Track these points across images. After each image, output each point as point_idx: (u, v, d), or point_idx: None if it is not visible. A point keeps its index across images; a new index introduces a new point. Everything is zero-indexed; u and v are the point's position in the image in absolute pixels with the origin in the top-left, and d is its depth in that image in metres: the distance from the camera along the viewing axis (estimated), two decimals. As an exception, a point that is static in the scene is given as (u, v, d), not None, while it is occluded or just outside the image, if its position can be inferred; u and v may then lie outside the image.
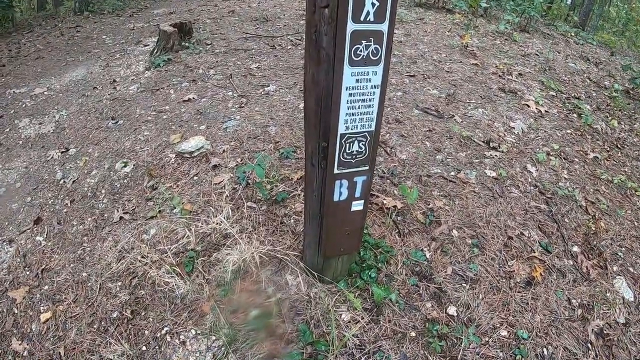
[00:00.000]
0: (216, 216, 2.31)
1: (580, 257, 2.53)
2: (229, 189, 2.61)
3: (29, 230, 2.81)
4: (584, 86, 4.97)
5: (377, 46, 1.36)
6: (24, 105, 4.51)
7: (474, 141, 3.36)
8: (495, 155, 3.23)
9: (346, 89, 1.40)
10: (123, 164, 3.07)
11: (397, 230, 2.43)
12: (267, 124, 3.38)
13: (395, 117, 3.55)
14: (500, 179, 2.98)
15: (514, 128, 3.66)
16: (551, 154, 3.42)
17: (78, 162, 3.31)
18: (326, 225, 1.76)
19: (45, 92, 4.69)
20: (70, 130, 3.82)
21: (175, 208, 2.54)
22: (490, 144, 3.34)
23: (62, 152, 3.50)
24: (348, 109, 1.44)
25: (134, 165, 3.05)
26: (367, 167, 1.66)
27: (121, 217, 2.61)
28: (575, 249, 2.59)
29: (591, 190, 3.16)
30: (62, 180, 3.15)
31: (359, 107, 1.46)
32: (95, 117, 3.91)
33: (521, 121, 3.77)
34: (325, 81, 1.39)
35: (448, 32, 6.25)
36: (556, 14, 12.23)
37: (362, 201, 1.76)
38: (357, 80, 1.40)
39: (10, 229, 2.88)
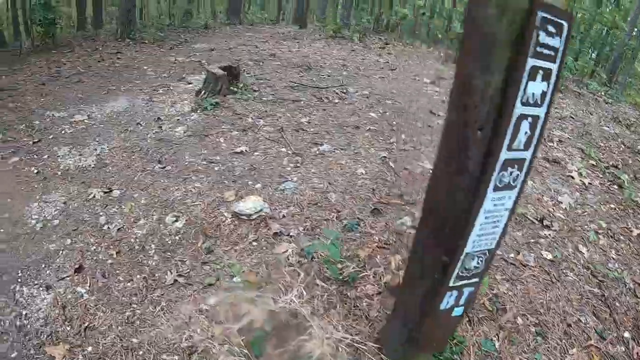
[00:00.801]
0: (285, 294, 2.32)
1: (632, 343, 2.59)
2: (294, 261, 2.64)
3: (68, 278, 2.80)
4: (619, 152, 5.15)
5: (519, 172, 1.45)
6: (63, 132, 4.63)
7: (528, 219, 3.46)
8: (549, 234, 3.33)
9: (483, 213, 1.46)
10: (174, 218, 3.11)
11: (467, 318, 2.46)
12: (326, 189, 3.47)
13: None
14: (556, 261, 3.08)
15: (561, 203, 3.81)
16: (599, 232, 3.52)
17: (123, 207, 3.36)
18: (425, 329, 1.79)
19: (85, 121, 4.84)
20: (113, 168, 3.91)
21: (235, 276, 2.56)
22: (544, 222, 3.46)
23: (104, 193, 3.56)
24: (479, 230, 1.50)
25: (185, 220, 3.10)
26: (477, 280, 1.70)
27: (175, 280, 2.62)
28: (627, 334, 2.63)
29: (637, 270, 3.22)
30: (105, 226, 3.18)
31: (488, 229, 1.53)
32: (139, 158, 4.01)
33: (568, 195, 3.92)
34: (464, 204, 1.45)
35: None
36: (585, 71, 12.74)
37: (463, 307, 1.80)
38: (494, 205, 1.47)
39: (48, 273, 2.87)
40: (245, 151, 3.99)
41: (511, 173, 1.43)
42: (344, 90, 5.94)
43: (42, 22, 7.63)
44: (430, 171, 1.60)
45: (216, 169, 3.72)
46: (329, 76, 6.71)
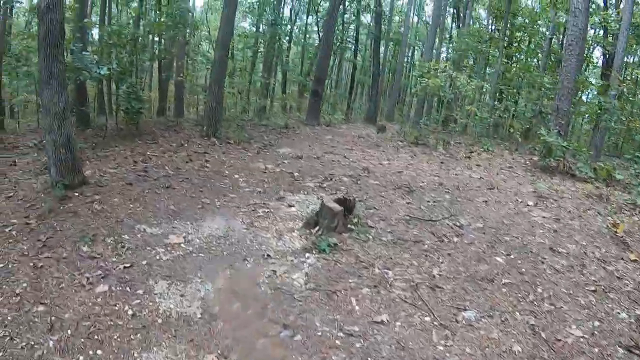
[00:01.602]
0: None
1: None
2: None
3: None
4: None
5: None
6: (157, 257, 4.34)
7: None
8: None
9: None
10: None
11: None
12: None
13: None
14: None
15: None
16: None
17: (251, 394, 2.88)
18: None
19: (182, 245, 4.57)
20: (225, 325, 3.47)
21: None
22: None
23: (221, 366, 3.10)
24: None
25: None
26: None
27: None
28: None
29: None
30: None
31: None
32: (256, 314, 3.58)
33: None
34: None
35: (588, 209, 6.68)
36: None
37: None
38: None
39: None
40: (385, 321, 3.53)
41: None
42: (457, 224, 5.70)
43: (129, 111, 7.92)
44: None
45: (358, 345, 3.24)
46: (434, 202, 6.52)
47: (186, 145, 7.74)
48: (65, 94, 5.58)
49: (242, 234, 4.84)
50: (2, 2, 9.62)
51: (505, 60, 19.98)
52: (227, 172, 6.71)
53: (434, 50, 18.92)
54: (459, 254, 4.91)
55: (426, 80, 12.72)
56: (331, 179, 6.98)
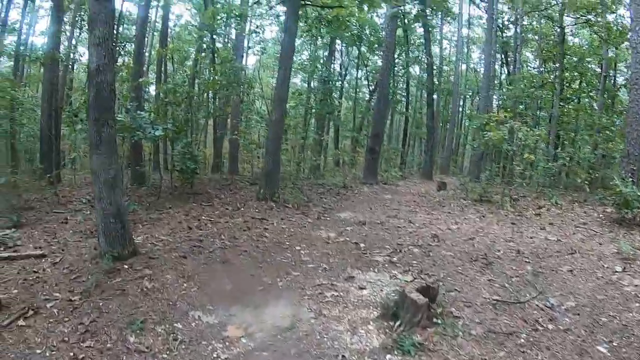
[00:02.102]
0: None
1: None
2: None
3: None
4: None
5: None
6: (215, 355, 3.74)
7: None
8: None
9: None
10: None
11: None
12: None
13: None
14: None
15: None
16: None
17: None
18: None
19: (242, 339, 3.94)
20: None
21: None
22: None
23: None
24: None
25: None
26: None
27: None
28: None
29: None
30: None
31: None
32: None
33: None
34: None
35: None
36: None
37: None
38: None
39: None
40: None
41: None
42: (548, 304, 4.88)
43: (184, 170, 7.70)
44: None
45: None
46: (517, 277, 5.70)
47: (242, 208, 7.34)
48: (116, 160, 5.26)
49: (310, 325, 4.19)
50: (62, 58, 9.91)
51: (561, 104, 18.94)
52: (287, 242, 6.18)
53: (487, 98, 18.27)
54: (558, 346, 4.09)
55: (487, 133, 11.96)
56: (400, 251, 6.29)
